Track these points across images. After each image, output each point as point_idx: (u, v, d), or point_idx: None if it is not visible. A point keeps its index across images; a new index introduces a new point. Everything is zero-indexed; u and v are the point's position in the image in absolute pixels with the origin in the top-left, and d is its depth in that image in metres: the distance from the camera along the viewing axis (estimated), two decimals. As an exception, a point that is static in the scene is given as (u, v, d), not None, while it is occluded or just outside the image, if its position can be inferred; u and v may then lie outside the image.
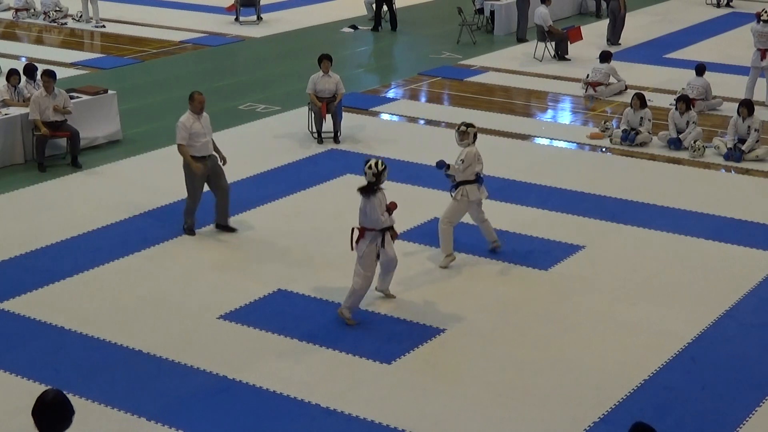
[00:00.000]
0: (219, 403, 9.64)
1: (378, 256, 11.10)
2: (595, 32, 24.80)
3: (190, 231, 13.45)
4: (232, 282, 12.08)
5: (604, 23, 26.34)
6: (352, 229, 11.11)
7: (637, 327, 11.09)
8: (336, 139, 17.02)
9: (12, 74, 16.81)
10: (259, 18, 26.43)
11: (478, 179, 12.40)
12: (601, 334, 10.96)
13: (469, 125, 12.49)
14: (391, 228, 11.16)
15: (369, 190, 10.94)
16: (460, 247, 12.94)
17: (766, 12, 18.97)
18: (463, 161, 12.27)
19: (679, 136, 16.61)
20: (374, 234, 11.02)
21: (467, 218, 13.74)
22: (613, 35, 23.98)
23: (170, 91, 20.35)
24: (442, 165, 12.36)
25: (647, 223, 13.78)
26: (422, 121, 18.48)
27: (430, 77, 21.38)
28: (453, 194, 12.44)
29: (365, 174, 10.99)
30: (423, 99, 20.03)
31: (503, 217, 13.70)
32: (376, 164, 10.97)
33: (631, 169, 16.01)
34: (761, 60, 18.85)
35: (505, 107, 19.31)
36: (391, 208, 11.20)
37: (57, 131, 15.86)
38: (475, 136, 12.43)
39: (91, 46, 24.39)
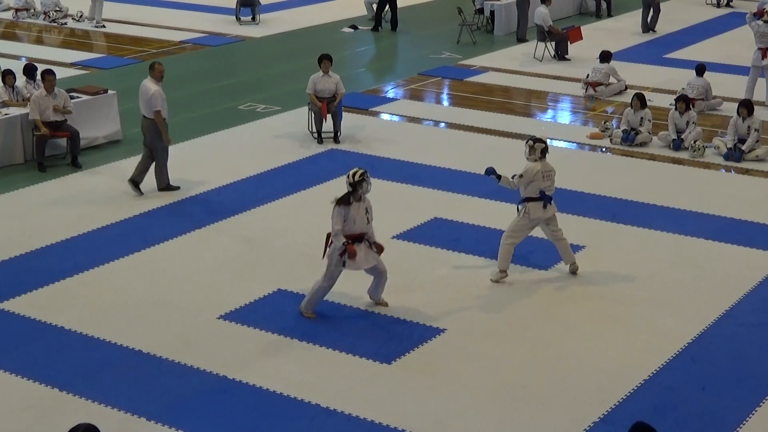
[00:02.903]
0: (219, 403, 9.64)
1: (344, 264, 10.99)
2: (596, 32, 24.81)
3: (170, 186, 14.80)
4: (232, 282, 12.08)
5: (605, 23, 26.45)
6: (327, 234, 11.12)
7: (637, 327, 11.09)
8: (336, 139, 17.02)
9: (7, 74, 16.78)
10: (254, 18, 26.46)
11: (543, 197, 11.89)
12: (601, 334, 10.96)
13: (537, 140, 11.95)
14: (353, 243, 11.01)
15: (344, 200, 10.93)
16: (461, 246, 12.95)
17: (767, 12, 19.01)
18: (521, 176, 11.82)
19: (681, 137, 16.62)
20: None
21: (477, 219, 13.76)
22: (651, 21, 25.08)
23: (170, 91, 20.29)
24: (490, 172, 11.93)
25: (647, 223, 13.78)
26: (422, 122, 18.48)
27: (430, 77, 21.38)
28: (518, 210, 12.04)
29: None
30: (423, 99, 20.03)
31: (503, 217, 13.68)
32: (354, 174, 10.95)
33: (631, 169, 16.01)
34: (762, 59, 18.85)
35: (505, 107, 19.31)
36: (379, 250, 11.15)
37: (57, 131, 15.86)
38: (542, 152, 11.88)
39: (91, 46, 24.39)
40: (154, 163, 14.80)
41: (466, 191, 14.72)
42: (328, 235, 11.09)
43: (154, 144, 14.67)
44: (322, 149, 16.72)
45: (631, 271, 12.38)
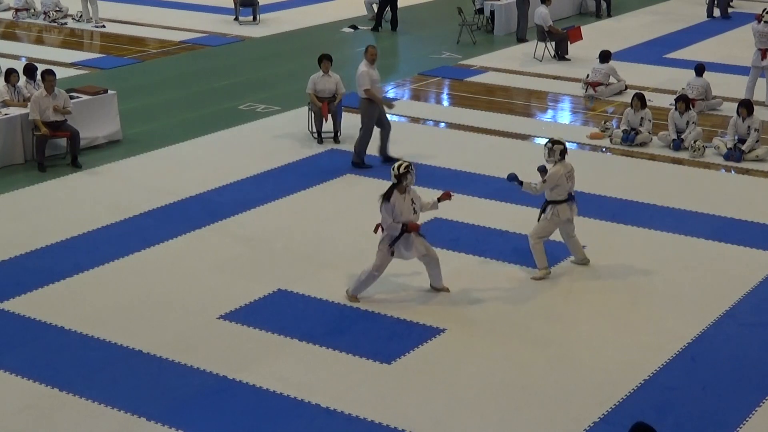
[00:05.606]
0: (219, 403, 9.65)
1: (393, 254, 11.34)
2: (596, 32, 24.81)
3: (362, 164, 15.57)
4: (232, 282, 12.08)
5: (605, 23, 26.44)
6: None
7: (637, 327, 11.09)
8: (336, 139, 17.02)
9: (10, 74, 16.79)
10: (255, 18, 26.49)
11: (569, 197, 11.92)
12: (601, 334, 10.97)
13: (555, 142, 11.91)
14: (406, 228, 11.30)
15: (388, 194, 11.18)
16: (460, 246, 12.95)
17: (767, 12, 18.98)
18: (545, 182, 11.81)
19: (681, 137, 16.62)
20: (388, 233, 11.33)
21: (477, 219, 13.76)
22: (720, 8, 26.82)
23: (170, 91, 20.35)
24: (512, 178, 11.94)
25: (647, 223, 13.78)
26: (422, 122, 18.48)
27: (430, 77, 21.38)
28: (543, 213, 12.02)
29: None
30: (423, 99, 20.03)
31: (503, 216, 13.71)
32: (399, 166, 11.22)
33: (631, 169, 16.01)
34: (762, 60, 18.85)
35: (505, 107, 19.31)
36: (443, 198, 11.54)
37: (57, 131, 15.85)
38: (561, 153, 11.84)
39: (91, 46, 24.39)
40: (381, 132, 15.77)
41: (466, 191, 14.71)
42: (377, 225, 11.38)
43: (365, 120, 15.67)
44: (322, 149, 16.72)
45: (631, 271, 12.38)
